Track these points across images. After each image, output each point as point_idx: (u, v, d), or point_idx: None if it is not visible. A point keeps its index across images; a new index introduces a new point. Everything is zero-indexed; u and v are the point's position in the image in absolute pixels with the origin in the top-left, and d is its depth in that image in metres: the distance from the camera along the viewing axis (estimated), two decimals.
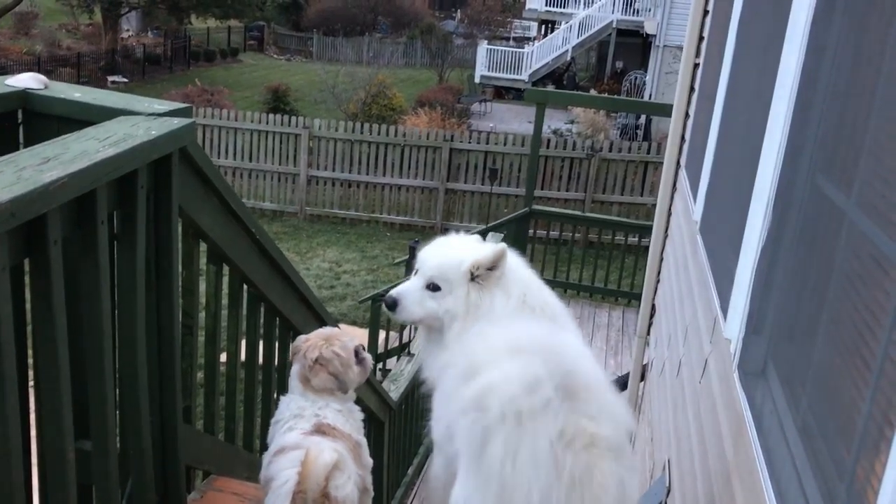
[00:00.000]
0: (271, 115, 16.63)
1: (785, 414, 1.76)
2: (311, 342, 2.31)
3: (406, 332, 9.26)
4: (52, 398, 1.72)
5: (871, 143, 1.50)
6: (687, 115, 5.08)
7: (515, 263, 2.41)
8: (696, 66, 5.00)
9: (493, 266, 2.36)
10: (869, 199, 1.52)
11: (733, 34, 3.26)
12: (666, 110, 11.01)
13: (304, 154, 15.92)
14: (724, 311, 2.38)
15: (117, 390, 2.05)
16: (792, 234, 1.94)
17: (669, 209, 5.30)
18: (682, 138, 5.15)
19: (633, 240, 11.27)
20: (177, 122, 2.02)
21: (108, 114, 2.07)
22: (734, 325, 2.17)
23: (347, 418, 2.22)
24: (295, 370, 2.30)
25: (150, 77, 29.29)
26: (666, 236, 5.36)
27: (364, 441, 2.27)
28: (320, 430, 2.10)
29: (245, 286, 2.95)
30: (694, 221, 3.61)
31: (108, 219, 1.82)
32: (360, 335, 9.33)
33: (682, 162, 5.07)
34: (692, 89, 5.03)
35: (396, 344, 9.25)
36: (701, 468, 2.38)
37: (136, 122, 1.99)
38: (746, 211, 2.20)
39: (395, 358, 9.06)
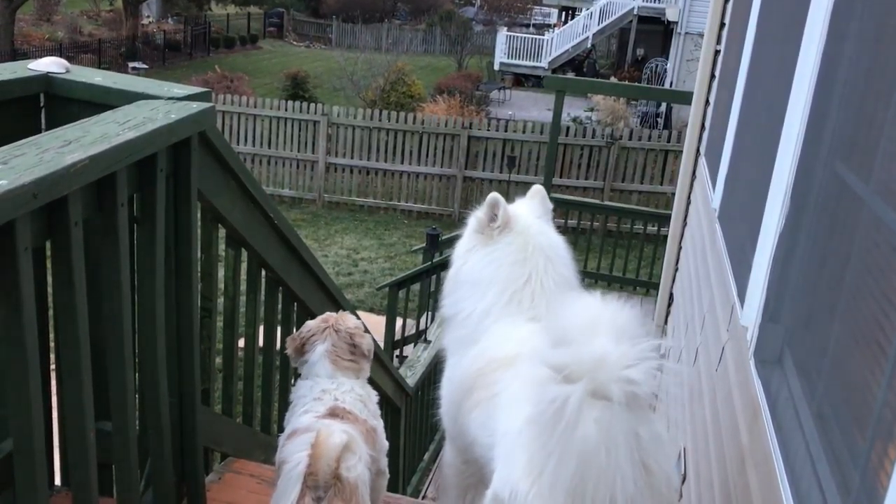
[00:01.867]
0: (290, 102, 16.65)
1: (800, 401, 1.76)
2: (333, 319, 2.33)
3: (423, 320, 9.29)
4: (73, 379, 1.75)
5: (891, 131, 1.49)
6: (707, 102, 5.04)
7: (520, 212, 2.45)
8: (716, 53, 4.96)
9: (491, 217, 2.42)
10: (888, 186, 1.51)
11: (754, 20, 3.23)
12: (686, 98, 10.92)
13: (323, 141, 15.95)
14: (742, 298, 2.37)
15: (137, 372, 2.09)
16: (810, 222, 1.92)
17: (688, 197, 5.27)
18: (703, 126, 5.12)
19: (651, 229, 11.22)
20: (196, 107, 2.03)
21: (128, 98, 2.09)
22: (751, 313, 2.16)
23: (366, 403, 2.23)
24: (322, 350, 2.28)
25: (170, 64, 29.43)
26: (685, 225, 5.33)
27: (380, 425, 2.28)
28: (334, 413, 2.11)
29: (263, 270, 2.97)
30: (713, 209, 3.59)
31: (127, 202, 1.84)
32: (377, 322, 9.36)
33: (702, 150, 5.04)
34: (713, 76, 4.99)
35: (413, 331, 9.27)
36: (716, 455, 2.38)
37: (155, 105, 2.00)
38: (765, 198, 2.19)
39: (412, 345, 9.10)
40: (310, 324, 2.37)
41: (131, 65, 26.83)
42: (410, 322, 9.56)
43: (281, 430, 3.37)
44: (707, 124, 4.95)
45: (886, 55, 1.60)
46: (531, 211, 2.54)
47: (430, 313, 8.61)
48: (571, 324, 1.62)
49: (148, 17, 35.05)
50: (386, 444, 2.32)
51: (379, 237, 14.70)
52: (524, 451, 1.65)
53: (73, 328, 1.69)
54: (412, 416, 5.33)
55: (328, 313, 2.43)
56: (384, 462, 2.29)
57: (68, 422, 1.82)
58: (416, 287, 9.38)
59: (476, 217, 2.49)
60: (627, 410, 1.49)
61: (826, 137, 1.86)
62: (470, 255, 2.51)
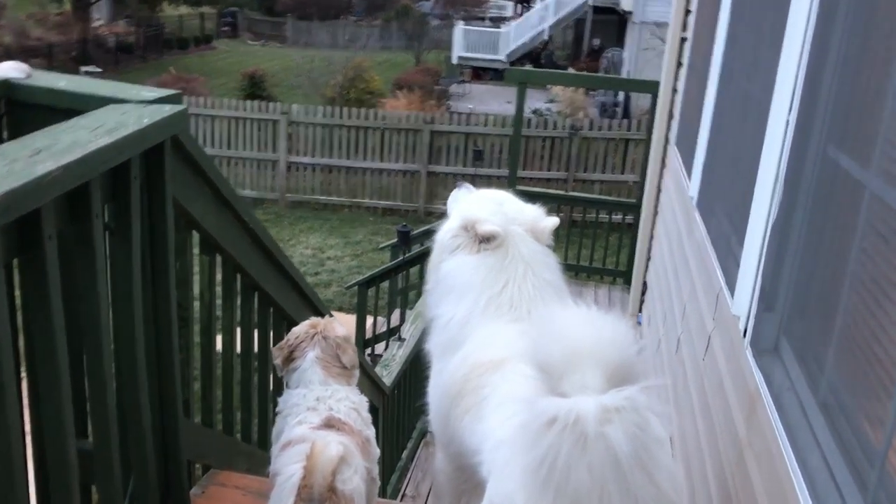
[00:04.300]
0: (248, 102, 16.44)
1: (803, 390, 1.74)
2: (320, 326, 2.27)
3: (393, 317, 9.22)
4: (52, 398, 1.67)
5: (891, 110, 1.47)
6: (675, 90, 5.05)
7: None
8: (683, 40, 4.96)
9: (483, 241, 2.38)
10: (887, 168, 1.49)
11: (727, 3, 3.21)
12: (648, 87, 10.96)
13: (284, 140, 15.76)
14: (731, 288, 2.35)
15: (116, 386, 2.00)
16: (804, 209, 1.91)
17: (659, 186, 5.28)
18: (671, 114, 5.12)
19: (616, 217, 11.27)
20: (168, 110, 1.96)
21: (96, 102, 2.01)
22: (743, 302, 2.14)
23: (360, 411, 2.18)
24: (313, 356, 2.21)
25: (124, 66, 28.88)
26: (656, 213, 5.34)
27: (373, 433, 2.23)
28: (329, 424, 2.05)
29: (239, 276, 2.90)
30: (689, 198, 3.58)
31: (101, 212, 1.75)
32: (347, 321, 9.25)
33: (671, 139, 5.05)
34: (679, 64, 5.00)
35: (384, 329, 9.20)
36: (709, 447, 2.36)
37: (126, 110, 1.92)
38: (752, 186, 2.17)
39: (383, 343, 9.02)
40: (296, 330, 2.31)
41: (83, 69, 26.25)
42: (381, 319, 9.49)
43: (262, 438, 3.31)
44: (676, 113, 4.95)
45: (882, 28, 1.57)
46: (523, 218, 2.47)
47: (401, 310, 8.53)
48: (552, 353, 1.57)
49: (98, 19, 34.34)
50: (378, 451, 2.26)
51: (345, 235, 14.59)
52: (518, 465, 1.61)
53: (50, 346, 1.61)
54: (390, 415, 5.28)
55: (315, 318, 2.37)
56: (376, 470, 2.24)
57: (47, 443, 1.74)
58: (385, 284, 9.31)
59: (465, 226, 2.42)
60: (616, 461, 1.44)
61: (819, 118, 1.85)
62: (448, 257, 2.46)
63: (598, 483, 1.44)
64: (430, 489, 6.17)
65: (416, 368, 6.42)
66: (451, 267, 2.44)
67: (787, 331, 1.96)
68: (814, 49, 1.84)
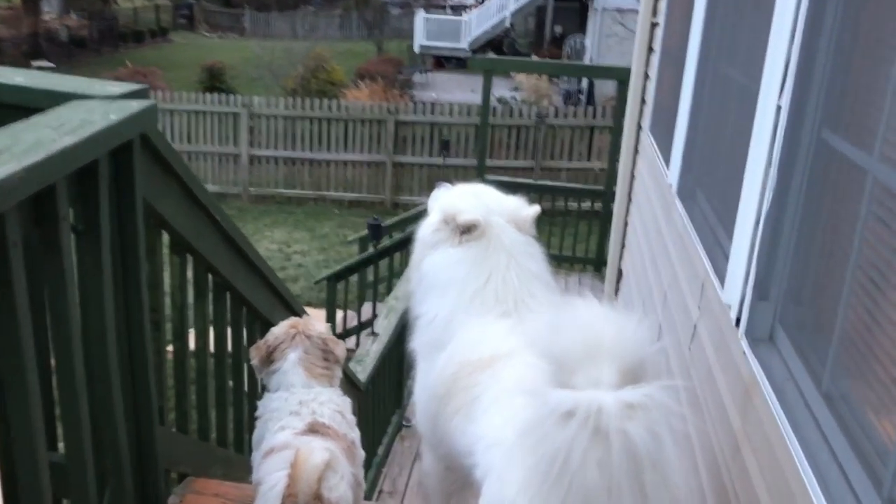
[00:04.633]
0: (208, 95, 16.15)
1: (803, 379, 1.71)
2: (301, 325, 2.19)
3: (363, 311, 9.14)
4: (22, 410, 1.57)
5: (890, 91, 1.43)
6: (647, 76, 5.02)
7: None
8: (653, 25, 4.93)
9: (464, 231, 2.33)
10: (885, 150, 1.46)
11: None
12: (618, 73, 10.98)
13: (245, 133, 15.53)
14: (720, 276, 2.32)
15: (88, 395, 1.91)
16: (797, 195, 1.87)
17: (632, 173, 5.26)
18: (643, 100, 5.10)
19: (585, 205, 11.28)
20: (136, 105, 1.86)
21: (58, 98, 1.90)
22: (734, 291, 2.11)
23: (344, 414, 2.11)
24: (295, 358, 2.13)
25: (78, 60, 28.24)
26: (629, 200, 5.32)
27: (358, 435, 2.16)
28: (313, 429, 1.97)
29: (210, 275, 2.80)
30: (668, 185, 3.55)
31: (68, 214, 1.66)
32: (316, 316, 9.15)
33: (644, 125, 5.02)
34: (651, 50, 4.97)
35: (355, 323, 9.12)
36: (698, 436, 2.33)
37: (91, 106, 1.82)
38: (740, 174, 2.13)
39: (353, 337, 8.94)
40: (275, 330, 2.23)
41: (35, 63, 25.62)
42: (352, 314, 9.40)
43: (238, 441, 3.23)
44: (648, 99, 4.92)
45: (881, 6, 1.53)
46: (502, 208, 2.41)
47: (373, 304, 8.46)
48: (570, 345, 1.50)
49: (48, 12, 33.54)
50: (363, 454, 2.20)
51: (310, 229, 14.43)
52: (519, 470, 1.55)
53: (18, 357, 1.52)
54: (366, 412, 5.21)
55: (294, 318, 2.29)
56: (362, 474, 2.17)
57: (17, 457, 1.64)
58: (354, 278, 9.22)
59: (446, 219, 2.35)
60: (635, 459, 1.39)
61: (812, 101, 1.81)
62: (430, 252, 2.39)
63: (611, 482, 1.38)
64: (406, 484, 6.12)
65: (391, 363, 6.36)
66: (432, 262, 2.38)
67: (784, 319, 1.93)
68: (807, 29, 1.80)
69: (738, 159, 2.22)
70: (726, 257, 2.27)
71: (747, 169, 2.10)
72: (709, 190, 3.00)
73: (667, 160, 3.70)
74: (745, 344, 1.98)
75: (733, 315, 2.11)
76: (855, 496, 1.36)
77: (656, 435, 1.39)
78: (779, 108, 1.90)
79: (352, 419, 2.21)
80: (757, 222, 1.98)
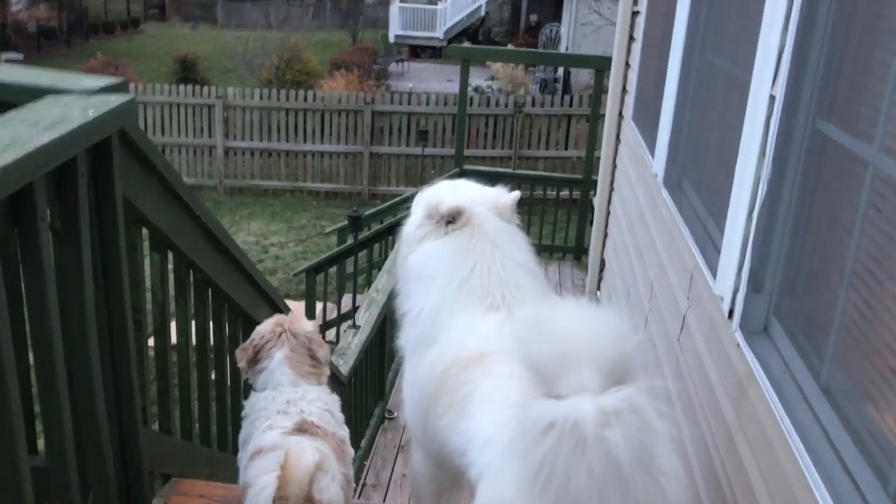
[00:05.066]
0: (181, 87, 15.93)
1: (800, 371, 1.70)
2: (286, 324, 2.14)
3: (343, 303, 9.08)
4: (2, 414, 1.52)
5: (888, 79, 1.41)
6: (628, 65, 5.00)
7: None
8: (634, 14, 4.91)
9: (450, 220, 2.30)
10: (883, 139, 1.44)
11: None
12: (592, 62, 10.98)
13: (220, 125, 15.34)
14: (711, 267, 2.30)
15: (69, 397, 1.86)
16: (791, 187, 1.85)
17: (614, 162, 5.24)
18: (624, 89, 5.08)
19: (563, 194, 11.30)
20: (115, 100, 1.80)
21: (33, 93, 1.84)
22: (726, 283, 2.09)
23: (332, 412, 2.07)
24: (281, 357, 2.10)
25: (47, 52, 27.76)
26: (612, 189, 5.31)
27: (347, 434, 2.12)
28: (302, 428, 1.93)
29: (192, 272, 2.75)
30: (654, 175, 3.54)
31: (47, 214, 1.60)
32: (295, 309, 9.08)
33: (626, 114, 5.00)
34: (632, 38, 4.95)
35: (335, 315, 9.07)
36: (692, 433, 2.31)
37: (68, 101, 1.76)
38: (731, 165, 2.11)
39: (333, 329, 8.88)
40: (261, 329, 2.18)
41: (4, 56, 25.15)
42: (331, 306, 9.34)
43: (223, 440, 3.18)
44: (630, 88, 4.90)
45: None
46: (484, 198, 2.39)
47: (353, 296, 8.41)
48: (549, 354, 1.49)
49: (17, 3, 32.93)
50: (352, 452, 2.16)
51: (287, 220, 14.31)
52: (514, 470, 1.53)
53: None
54: (348, 405, 5.17)
55: (279, 316, 2.24)
56: (351, 472, 2.13)
57: None
58: (333, 269, 9.16)
59: (429, 212, 2.32)
60: (617, 465, 1.38)
61: (806, 91, 1.79)
62: (415, 248, 2.36)
63: (598, 487, 1.38)
64: (390, 477, 6.10)
65: (372, 355, 6.32)
66: (416, 256, 2.34)
67: (778, 311, 1.91)
68: (801, 16, 1.78)
69: (729, 150, 2.20)
70: (717, 249, 2.26)
71: (739, 159, 2.08)
72: (697, 180, 2.98)
73: (652, 150, 3.68)
74: (739, 336, 1.97)
75: (725, 307, 2.09)
76: (860, 493, 1.35)
77: (636, 439, 1.39)
78: (772, 97, 1.88)
79: (340, 417, 2.17)
80: (750, 213, 1.96)
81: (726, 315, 2.09)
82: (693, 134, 3.15)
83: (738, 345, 1.98)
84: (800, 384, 1.68)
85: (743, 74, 2.17)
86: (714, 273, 2.26)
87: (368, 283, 8.78)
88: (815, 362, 1.68)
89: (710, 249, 2.45)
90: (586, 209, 10.57)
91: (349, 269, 8.99)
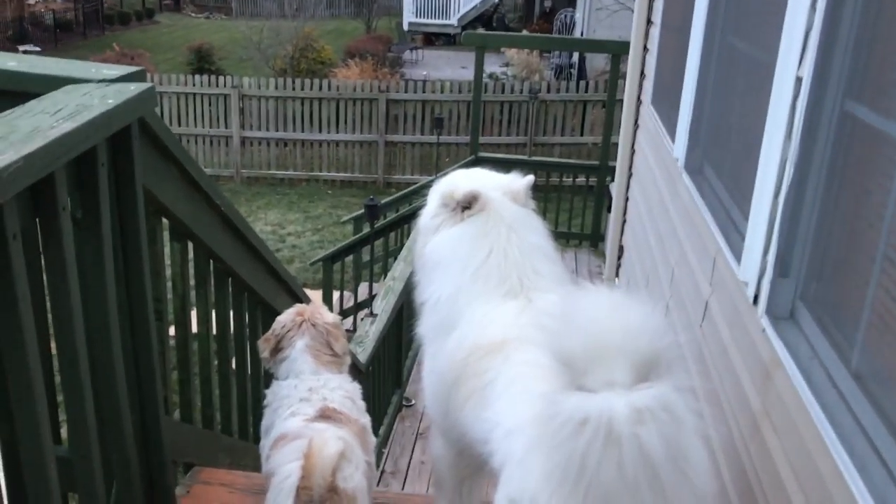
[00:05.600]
0: (197, 77, 15.95)
1: (829, 357, 1.67)
2: (307, 313, 2.14)
3: (360, 292, 9.10)
4: (26, 405, 1.52)
5: None
6: (646, 49, 4.95)
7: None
8: None
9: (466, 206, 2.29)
10: None
11: None
12: (609, 46, 10.89)
13: (236, 115, 15.37)
14: (736, 252, 2.27)
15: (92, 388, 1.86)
16: (819, 170, 1.82)
17: (632, 147, 5.19)
18: (642, 74, 5.03)
19: (579, 180, 11.24)
20: (134, 88, 1.80)
21: (52, 83, 1.84)
22: (751, 268, 2.06)
23: (354, 400, 2.06)
24: (302, 345, 2.10)
25: (64, 44, 27.89)
26: (630, 174, 5.26)
27: (369, 422, 2.12)
28: (325, 415, 1.93)
29: (212, 262, 2.75)
30: (675, 159, 3.50)
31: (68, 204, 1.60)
32: (313, 297, 9.09)
33: (644, 98, 4.95)
34: (650, 22, 4.89)
35: (351, 303, 9.08)
36: (712, 416, 2.29)
37: (87, 90, 1.75)
38: (756, 149, 2.07)
39: (350, 318, 8.90)
40: (282, 319, 2.18)
41: (22, 48, 25.28)
42: (348, 294, 9.36)
43: (243, 428, 3.19)
44: (649, 72, 4.85)
45: None
46: (498, 183, 2.38)
47: (369, 284, 8.41)
48: (579, 347, 1.46)
49: None
50: (374, 440, 2.16)
51: (304, 210, 14.34)
52: (541, 461, 1.51)
53: (21, 352, 1.47)
54: (367, 393, 5.17)
55: (300, 305, 2.24)
56: (374, 460, 2.13)
57: (23, 452, 1.59)
58: (349, 258, 9.17)
59: (444, 201, 2.31)
60: (650, 463, 1.37)
61: (835, 71, 1.74)
62: (431, 238, 2.35)
63: (630, 483, 1.37)
64: (409, 464, 6.11)
65: (389, 343, 6.33)
66: (432, 245, 2.33)
67: (805, 296, 1.88)
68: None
69: (753, 133, 2.16)
70: (741, 233, 2.23)
71: (764, 142, 2.04)
72: (719, 164, 2.94)
73: (672, 134, 3.64)
74: (765, 322, 1.94)
75: (750, 292, 2.06)
76: (891, 476, 1.33)
77: (668, 436, 1.38)
78: (798, 79, 1.85)
79: (362, 405, 2.17)
80: (776, 197, 1.93)
81: (751, 300, 2.06)
82: (715, 117, 3.11)
83: (763, 330, 1.95)
84: (829, 370, 1.66)
85: (767, 56, 2.13)
86: (738, 258, 2.23)
87: (385, 271, 8.78)
88: (844, 348, 1.65)
89: (734, 234, 2.42)
90: (602, 196, 10.52)
91: (365, 257, 9.00)
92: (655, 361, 1.42)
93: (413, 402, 6.92)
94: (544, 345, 1.56)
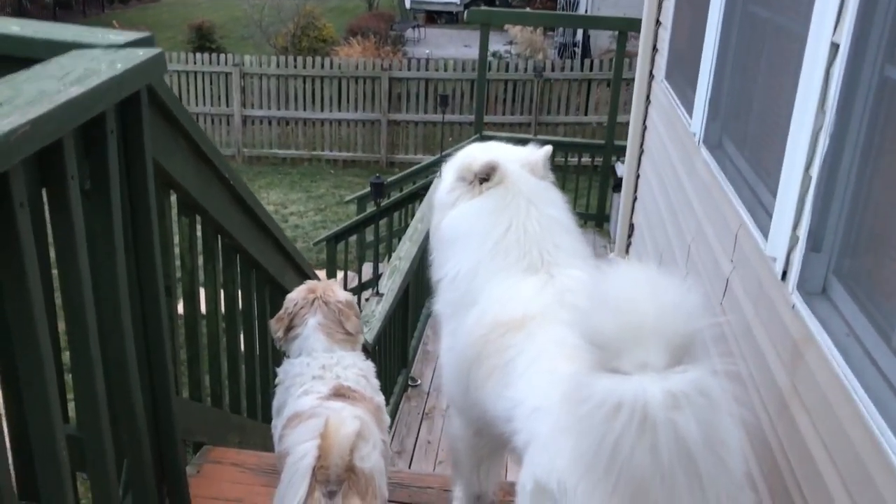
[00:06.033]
0: (198, 55, 15.82)
1: (867, 334, 1.61)
2: (318, 290, 2.08)
3: (364, 271, 9.04)
4: (36, 382, 1.47)
5: None
6: (658, 23, 4.86)
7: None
8: None
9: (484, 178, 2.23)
10: None
11: None
12: (616, 23, 10.77)
13: (237, 93, 15.25)
14: (762, 228, 2.21)
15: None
16: (856, 141, 1.75)
17: (644, 123, 5.12)
18: (654, 49, 4.94)
19: (585, 160, 11.16)
20: (143, 54, 1.72)
21: (58, 48, 1.76)
22: (780, 243, 2.00)
23: (368, 378, 2.01)
24: (315, 323, 2.05)
25: (63, 22, 27.71)
26: (641, 152, 5.19)
27: (383, 400, 2.07)
28: (339, 392, 1.88)
29: (220, 237, 2.69)
30: (692, 134, 3.42)
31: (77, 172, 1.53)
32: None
33: (658, 74, 4.87)
34: None
35: (356, 283, 9.03)
36: (737, 396, 2.23)
37: (94, 55, 1.69)
38: (785, 120, 2.00)
39: (355, 298, 8.85)
40: (294, 297, 2.12)
41: None
42: (352, 274, 9.31)
43: (251, 407, 3.14)
44: (662, 47, 4.76)
45: None
46: (516, 155, 2.32)
47: (374, 264, 8.36)
48: (612, 329, 1.40)
49: None
50: (388, 419, 2.11)
51: (306, 189, 14.26)
52: (569, 442, 1.46)
53: (30, 327, 1.41)
54: None
55: (312, 282, 2.19)
56: (388, 439, 2.09)
57: (33, 430, 1.55)
58: (353, 238, 9.11)
59: (461, 174, 2.24)
60: (686, 448, 1.32)
61: (875, 35, 1.67)
62: (447, 212, 2.28)
63: (664, 467, 1.32)
64: (415, 444, 6.09)
65: (396, 323, 6.28)
66: (449, 220, 2.27)
67: (839, 271, 1.82)
68: None
69: (778, 104, 2.10)
70: (767, 208, 2.16)
71: (795, 113, 1.98)
72: (740, 137, 2.87)
73: (689, 109, 3.57)
74: (795, 298, 1.88)
75: (778, 268, 2.00)
76: None
77: (706, 422, 1.33)
78: (834, 45, 1.78)
79: (376, 383, 2.13)
80: (807, 169, 1.87)
81: (779, 276, 2.00)
82: (735, 91, 3.04)
83: (793, 307, 1.89)
84: (866, 346, 1.60)
85: (796, 24, 2.06)
86: (764, 233, 2.17)
87: (389, 251, 8.72)
88: (883, 324, 1.59)
89: (758, 209, 2.35)
90: (608, 175, 10.44)
91: (369, 237, 8.94)
92: (691, 343, 1.37)
93: (419, 381, 6.89)
94: (573, 324, 1.49)
